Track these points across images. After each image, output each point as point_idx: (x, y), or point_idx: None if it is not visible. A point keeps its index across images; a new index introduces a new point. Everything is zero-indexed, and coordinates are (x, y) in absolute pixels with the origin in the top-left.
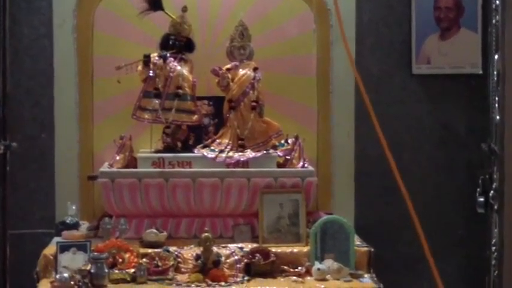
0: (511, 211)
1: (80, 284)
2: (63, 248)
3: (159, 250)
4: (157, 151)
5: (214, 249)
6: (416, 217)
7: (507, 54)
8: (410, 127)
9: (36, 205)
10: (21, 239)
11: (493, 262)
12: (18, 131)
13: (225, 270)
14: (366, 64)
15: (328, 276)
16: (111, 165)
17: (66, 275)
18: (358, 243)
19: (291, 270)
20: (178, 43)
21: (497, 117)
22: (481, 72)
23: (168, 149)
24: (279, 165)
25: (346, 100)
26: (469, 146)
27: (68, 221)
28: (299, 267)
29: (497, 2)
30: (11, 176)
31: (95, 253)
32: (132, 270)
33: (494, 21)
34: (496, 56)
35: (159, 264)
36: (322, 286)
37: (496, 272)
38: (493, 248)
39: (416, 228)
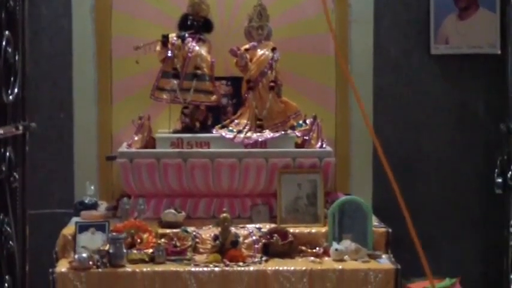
0: None
1: (99, 264)
2: (82, 228)
3: (177, 230)
4: (175, 131)
5: (232, 229)
6: (401, 198)
7: None
8: (428, 107)
9: (55, 185)
10: (40, 219)
11: (511, 243)
12: (37, 111)
13: (243, 250)
14: (384, 44)
15: (345, 257)
16: (129, 146)
17: (84, 255)
18: (375, 223)
19: (309, 250)
20: (196, 23)
21: None
22: (499, 52)
23: (186, 129)
24: (297, 146)
25: (364, 80)
26: (487, 126)
27: (86, 201)
28: (317, 248)
29: None
30: (30, 157)
31: (114, 233)
32: (151, 250)
33: None
34: None
35: (178, 244)
36: (340, 266)
37: None
38: (511, 228)
39: (402, 210)
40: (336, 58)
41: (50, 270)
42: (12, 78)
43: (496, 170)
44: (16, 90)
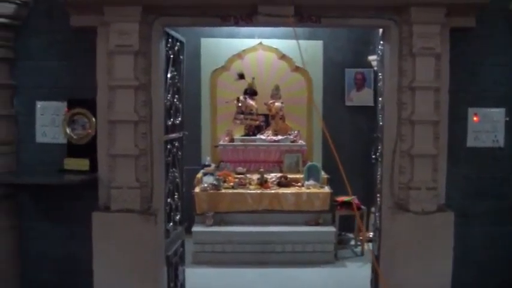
0: (387, 161)
1: (211, 189)
2: (205, 174)
3: (242, 175)
4: (242, 135)
5: (265, 175)
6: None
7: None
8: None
9: (194, 157)
10: (188, 170)
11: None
12: (187, 127)
13: (269, 184)
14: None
15: (310, 187)
16: (224, 141)
17: (205, 185)
18: (323, 173)
19: (296, 184)
20: (250, 91)
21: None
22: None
23: (247, 134)
24: (292, 142)
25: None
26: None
27: (206, 163)
28: (299, 183)
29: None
30: (184, 146)
31: (217, 176)
32: (232, 183)
33: None
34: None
35: (243, 181)
36: (308, 190)
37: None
38: (378, 179)
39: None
40: (307, 104)
41: (192, 191)
42: (179, 110)
43: (373, 148)
44: (180, 118)
